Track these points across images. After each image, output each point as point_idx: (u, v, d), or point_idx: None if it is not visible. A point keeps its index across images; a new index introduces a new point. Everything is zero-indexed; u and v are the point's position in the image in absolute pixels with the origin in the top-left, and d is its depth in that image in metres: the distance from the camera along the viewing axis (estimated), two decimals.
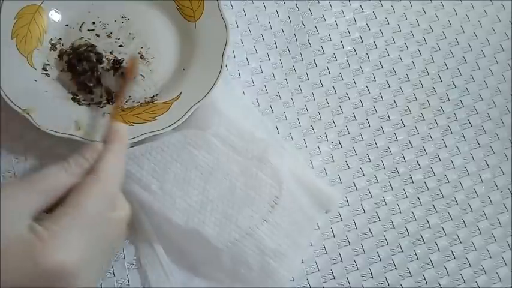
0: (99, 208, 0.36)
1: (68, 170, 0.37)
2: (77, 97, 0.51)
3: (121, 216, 0.39)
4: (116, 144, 0.40)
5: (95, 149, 0.39)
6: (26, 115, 0.47)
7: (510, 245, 0.50)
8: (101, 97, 0.51)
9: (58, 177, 0.36)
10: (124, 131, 0.42)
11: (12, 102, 0.48)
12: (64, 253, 0.33)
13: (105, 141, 0.40)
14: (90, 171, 0.37)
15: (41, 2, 0.53)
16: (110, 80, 0.51)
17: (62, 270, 0.33)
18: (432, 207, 0.51)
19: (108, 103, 0.51)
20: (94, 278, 0.37)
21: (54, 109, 0.49)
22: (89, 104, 0.51)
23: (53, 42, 0.53)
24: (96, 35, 0.54)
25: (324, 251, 0.49)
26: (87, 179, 0.37)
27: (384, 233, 0.50)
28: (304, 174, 0.50)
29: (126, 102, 0.52)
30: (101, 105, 0.51)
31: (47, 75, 0.51)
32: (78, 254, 0.34)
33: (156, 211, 0.46)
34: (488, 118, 0.56)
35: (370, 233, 0.50)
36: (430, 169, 0.53)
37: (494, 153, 0.54)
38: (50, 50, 0.52)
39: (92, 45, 0.52)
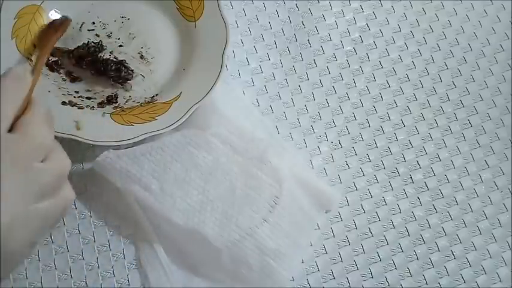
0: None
1: None
2: (74, 101, 0.51)
3: (54, 167, 0.36)
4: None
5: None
6: None
7: (510, 245, 0.50)
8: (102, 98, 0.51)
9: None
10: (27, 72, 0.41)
11: None
12: None
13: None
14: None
15: (41, 2, 0.53)
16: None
17: None
18: (432, 207, 0.51)
19: (109, 103, 0.51)
20: (24, 238, 0.34)
21: (54, 109, 0.49)
22: (88, 106, 0.51)
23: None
24: (96, 35, 0.54)
25: (324, 251, 0.49)
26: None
27: (384, 233, 0.50)
28: (304, 174, 0.50)
29: (126, 102, 0.52)
30: (101, 105, 0.51)
31: (47, 75, 0.51)
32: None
33: (156, 211, 0.46)
34: (488, 118, 0.56)
35: (370, 233, 0.50)
36: (430, 169, 0.53)
37: (494, 153, 0.54)
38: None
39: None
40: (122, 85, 0.52)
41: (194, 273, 0.46)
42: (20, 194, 0.34)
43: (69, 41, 0.53)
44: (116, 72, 0.51)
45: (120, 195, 0.47)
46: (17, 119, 0.36)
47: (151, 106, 0.50)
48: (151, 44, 0.54)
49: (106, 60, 0.52)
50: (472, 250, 0.50)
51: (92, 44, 0.53)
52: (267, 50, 0.56)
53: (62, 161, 0.38)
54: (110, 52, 0.53)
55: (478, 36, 0.59)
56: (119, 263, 0.47)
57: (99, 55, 0.52)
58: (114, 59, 0.52)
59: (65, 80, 0.52)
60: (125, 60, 0.52)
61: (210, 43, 0.52)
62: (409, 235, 0.50)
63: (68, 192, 0.38)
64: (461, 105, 0.56)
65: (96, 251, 0.47)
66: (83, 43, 0.52)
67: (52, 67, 0.52)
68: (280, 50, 0.56)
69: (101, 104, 0.51)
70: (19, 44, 0.51)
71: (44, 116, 0.38)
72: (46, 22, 0.52)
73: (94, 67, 0.52)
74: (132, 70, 0.52)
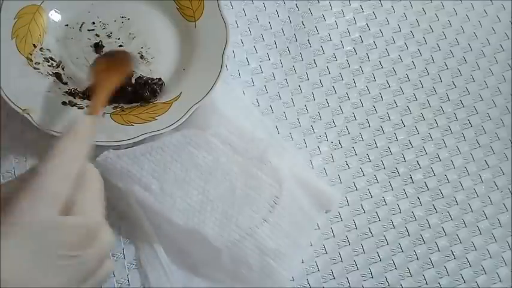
0: (39, 211, 0.29)
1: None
2: (74, 101, 0.51)
3: (78, 222, 0.30)
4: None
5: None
6: (26, 115, 0.47)
7: (510, 245, 0.50)
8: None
9: None
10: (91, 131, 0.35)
11: (12, 102, 0.48)
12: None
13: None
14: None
15: (41, 2, 0.53)
16: None
17: None
18: (432, 207, 0.51)
19: (108, 104, 0.51)
20: None
21: (54, 109, 0.49)
22: (88, 106, 0.51)
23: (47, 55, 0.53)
24: (96, 35, 0.54)
25: (324, 251, 0.49)
26: (25, 175, 0.31)
27: (384, 233, 0.50)
28: (304, 174, 0.50)
29: None
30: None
31: (47, 75, 0.51)
32: (15, 266, 0.28)
33: (156, 211, 0.46)
34: (488, 118, 0.56)
35: (370, 233, 0.50)
36: (430, 169, 0.53)
37: (494, 153, 0.54)
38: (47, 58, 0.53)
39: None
40: (155, 97, 0.51)
41: (194, 273, 0.46)
42: (62, 285, 0.29)
43: (69, 41, 0.53)
44: (146, 90, 0.51)
45: (120, 195, 0.47)
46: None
47: (151, 106, 0.50)
48: (151, 44, 0.54)
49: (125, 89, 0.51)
50: (472, 250, 0.50)
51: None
52: (267, 50, 0.56)
53: (108, 240, 0.33)
54: None
55: (478, 36, 0.59)
56: (119, 263, 0.47)
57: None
58: (138, 80, 0.51)
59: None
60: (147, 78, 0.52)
61: (210, 43, 0.52)
62: (409, 235, 0.50)
63: (108, 266, 0.33)
64: (461, 105, 0.56)
65: None
66: None
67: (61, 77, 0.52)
68: (280, 50, 0.56)
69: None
70: (19, 44, 0.51)
71: (99, 191, 0.33)
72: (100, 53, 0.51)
73: (125, 96, 0.51)
74: (160, 79, 0.52)
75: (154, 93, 0.51)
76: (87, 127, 0.34)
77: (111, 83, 0.45)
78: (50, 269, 0.29)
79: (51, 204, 0.29)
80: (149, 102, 0.51)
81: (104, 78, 0.46)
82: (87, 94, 0.51)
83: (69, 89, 0.51)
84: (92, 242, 0.31)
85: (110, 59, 0.49)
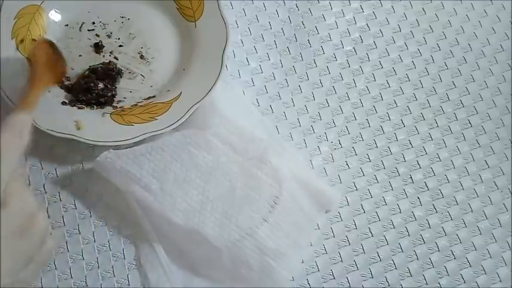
0: None
1: None
2: (73, 101, 0.51)
3: (15, 211, 0.33)
4: (8, 136, 0.35)
5: None
6: None
7: (510, 245, 0.50)
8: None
9: None
10: (26, 125, 0.37)
11: (12, 102, 0.48)
12: None
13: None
14: None
15: (41, 2, 0.53)
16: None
17: None
18: (432, 207, 0.51)
19: (98, 104, 0.51)
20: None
21: (54, 109, 0.49)
22: (88, 105, 0.51)
23: None
24: (96, 35, 0.54)
25: (324, 251, 0.49)
26: None
27: (384, 233, 0.50)
28: (304, 174, 0.50)
29: (118, 102, 0.51)
30: (100, 105, 0.51)
31: None
32: None
33: (156, 211, 0.46)
34: (488, 118, 0.56)
35: (370, 233, 0.50)
36: (430, 169, 0.53)
37: (494, 153, 0.54)
38: None
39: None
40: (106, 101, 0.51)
41: (194, 273, 0.46)
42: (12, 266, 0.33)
43: (69, 41, 0.53)
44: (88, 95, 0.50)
45: (120, 195, 0.47)
46: None
47: (151, 106, 0.50)
48: (151, 44, 0.54)
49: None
50: (472, 250, 0.50)
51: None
52: (267, 50, 0.56)
53: (45, 223, 0.36)
54: (110, 52, 0.53)
55: (478, 36, 0.59)
56: (119, 263, 0.47)
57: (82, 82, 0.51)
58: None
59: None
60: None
61: (210, 43, 0.52)
62: (409, 235, 0.50)
63: (50, 244, 0.36)
64: (461, 105, 0.56)
65: (96, 251, 0.47)
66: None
67: None
68: (280, 50, 0.56)
69: (99, 104, 0.51)
70: (19, 44, 0.51)
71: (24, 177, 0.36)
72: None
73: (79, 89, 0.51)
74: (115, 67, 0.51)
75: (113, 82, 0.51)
76: (22, 122, 0.37)
77: (48, 81, 0.48)
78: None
79: None
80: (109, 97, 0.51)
81: (44, 73, 0.47)
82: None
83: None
84: (32, 224, 0.34)
85: (49, 50, 0.49)
